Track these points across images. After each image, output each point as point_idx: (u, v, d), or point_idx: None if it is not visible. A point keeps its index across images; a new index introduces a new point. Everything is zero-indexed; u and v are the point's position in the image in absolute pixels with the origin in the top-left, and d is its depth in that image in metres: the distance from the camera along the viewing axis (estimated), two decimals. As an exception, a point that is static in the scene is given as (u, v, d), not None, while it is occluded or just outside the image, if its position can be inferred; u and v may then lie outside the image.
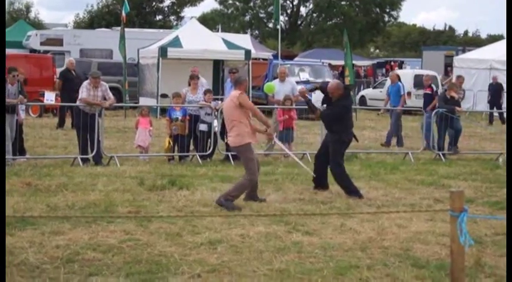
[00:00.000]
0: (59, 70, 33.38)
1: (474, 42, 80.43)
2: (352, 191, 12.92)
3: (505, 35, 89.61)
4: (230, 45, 30.21)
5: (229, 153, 16.78)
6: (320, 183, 13.45)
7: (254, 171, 11.91)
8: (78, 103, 16.52)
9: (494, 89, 31.82)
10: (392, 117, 22.05)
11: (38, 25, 62.21)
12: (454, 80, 32.78)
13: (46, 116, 26.12)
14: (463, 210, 6.52)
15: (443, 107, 19.01)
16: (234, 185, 12.11)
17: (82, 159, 16.01)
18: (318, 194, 13.08)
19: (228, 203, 11.61)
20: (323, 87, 13.73)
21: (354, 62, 33.52)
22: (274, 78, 27.66)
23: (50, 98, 25.04)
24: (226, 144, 15.27)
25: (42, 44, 39.40)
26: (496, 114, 30.68)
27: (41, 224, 10.06)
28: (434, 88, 22.45)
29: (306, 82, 29.24)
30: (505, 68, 33.86)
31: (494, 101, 31.54)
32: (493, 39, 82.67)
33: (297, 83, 22.24)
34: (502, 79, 33.80)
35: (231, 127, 12.03)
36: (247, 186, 11.98)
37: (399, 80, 25.22)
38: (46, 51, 37.31)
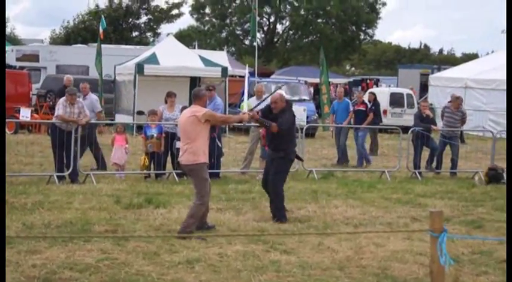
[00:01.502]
0: (35, 86, 33.34)
1: (449, 60, 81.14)
2: (280, 214, 12.43)
3: (479, 53, 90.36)
4: (207, 62, 30.23)
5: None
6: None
7: (206, 192, 11.25)
8: (54, 120, 16.44)
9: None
10: (341, 135, 21.18)
11: (13, 40, 61.97)
12: (427, 98, 33.11)
13: (22, 133, 25.93)
14: (443, 231, 6.53)
15: (419, 125, 19.11)
16: (188, 214, 11.31)
17: (58, 176, 15.91)
18: (294, 212, 13.07)
19: (188, 234, 10.95)
20: (263, 110, 13.08)
21: (330, 79, 33.66)
22: (251, 95, 27.72)
23: (25, 114, 24.92)
24: (177, 162, 14.33)
25: (18, 59, 39.18)
26: (473, 133, 30.79)
27: (17, 243, 9.97)
28: (368, 105, 22.33)
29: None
30: (479, 86, 34.29)
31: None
32: (467, 57, 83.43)
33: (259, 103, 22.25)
34: (477, 97, 34.13)
35: (188, 143, 11.28)
36: (200, 210, 11.24)
37: (375, 98, 25.42)
38: (22, 67, 37.11)
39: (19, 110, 25.15)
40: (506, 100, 16.89)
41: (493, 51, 78.19)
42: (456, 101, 20.03)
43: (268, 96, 13.88)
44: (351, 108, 21.48)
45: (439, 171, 19.40)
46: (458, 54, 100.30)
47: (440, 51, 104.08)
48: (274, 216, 12.40)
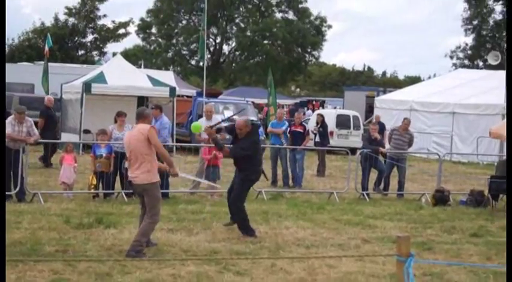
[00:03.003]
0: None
1: (392, 82, 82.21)
2: (248, 230, 12.89)
3: (422, 76, 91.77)
4: (155, 82, 30.10)
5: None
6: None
7: (158, 211, 11.25)
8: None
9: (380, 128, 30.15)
10: (282, 157, 21.02)
11: (-45, 57, 60.99)
12: (374, 120, 33.31)
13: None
14: (410, 255, 6.57)
15: (367, 147, 19.29)
16: (139, 232, 11.16)
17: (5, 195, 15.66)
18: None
19: (139, 253, 10.88)
20: (228, 128, 13.72)
21: (277, 100, 33.82)
22: (199, 115, 27.69)
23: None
24: (129, 181, 13.67)
25: (-40, 76, 38.58)
26: (417, 154, 31.12)
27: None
28: (307, 127, 22.41)
29: (231, 120, 29.33)
30: (424, 109, 34.77)
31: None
32: (410, 80, 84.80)
33: (222, 121, 22.20)
34: (422, 120, 34.59)
35: (140, 163, 11.16)
36: (152, 228, 11.27)
37: (323, 120, 25.62)
38: (-35, 84, 36.56)
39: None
40: (506, 100, 17.08)
41: (435, 75, 79.73)
42: (404, 123, 20.23)
43: (226, 119, 14.20)
44: (284, 127, 21.17)
45: (387, 192, 19.57)
46: (401, 77, 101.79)
47: (384, 73, 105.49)
48: (242, 234, 12.77)
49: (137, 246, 10.97)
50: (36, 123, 18.26)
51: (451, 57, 75.13)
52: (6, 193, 15.73)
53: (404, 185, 19.76)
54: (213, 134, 13.35)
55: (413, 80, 79.92)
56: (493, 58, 40.72)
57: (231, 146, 13.49)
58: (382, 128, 28.10)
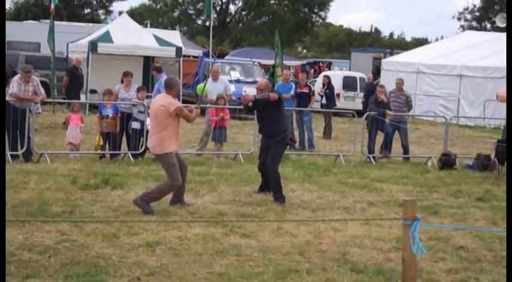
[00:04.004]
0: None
1: (399, 44, 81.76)
2: (280, 196, 12.74)
3: (429, 38, 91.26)
4: (161, 41, 30.01)
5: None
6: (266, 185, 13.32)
7: (176, 177, 11.47)
8: (8, 98, 16.18)
9: (369, 89, 29.42)
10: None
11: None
12: (381, 82, 33.14)
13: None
14: (416, 219, 6.57)
15: (374, 110, 19.20)
16: (155, 186, 11.80)
17: (12, 155, 15.70)
18: (253, 196, 13.08)
19: (144, 204, 11.25)
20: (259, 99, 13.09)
21: (284, 61, 33.65)
22: (205, 76, 27.62)
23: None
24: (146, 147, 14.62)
25: (-35, 35, 38.45)
26: (424, 117, 31.03)
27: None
28: (312, 87, 22.32)
29: (237, 81, 29.26)
30: (430, 71, 34.62)
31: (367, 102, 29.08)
32: (417, 42, 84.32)
33: (229, 82, 22.12)
34: (428, 82, 34.46)
35: (156, 132, 11.63)
36: (168, 190, 11.63)
37: (330, 82, 25.51)
38: (-30, 43, 36.46)
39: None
40: (506, 100, 16.99)
41: (442, 37, 79.22)
42: (397, 84, 20.25)
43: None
44: (292, 92, 20.88)
45: (391, 155, 19.53)
46: (408, 39, 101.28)
47: (391, 35, 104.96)
48: (274, 199, 12.68)
49: (145, 197, 11.35)
50: (43, 82, 18.23)
51: (459, 19, 74.78)
52: (14, 153, 15.78)
53: (409, 148, 19.68)
54: (251, 98, 13.00)
55: (420, 42, 79.46)
56: (501, 20, 40.54)
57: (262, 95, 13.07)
58: (372, 90, 27.79)
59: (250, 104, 13.01)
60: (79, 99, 23.23)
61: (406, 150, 19.63)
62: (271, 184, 12.96)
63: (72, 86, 23.42)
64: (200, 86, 16.30)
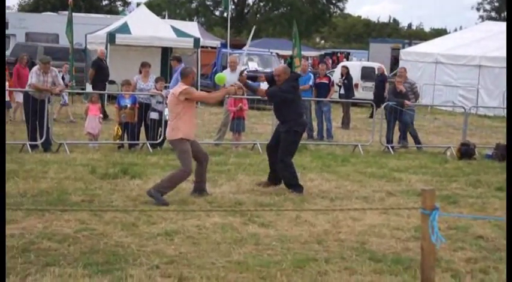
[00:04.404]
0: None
1: (418, 35, 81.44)
2: (297, 186, 12.57)
3: (448, 29, 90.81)
4: (179, 33, 30.02)
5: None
6: (273, 177, 13.01)
7: (187, 164, 11.53)
8: (27, 88, 16.26)
9: (379, 80, 29.06)
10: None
11: (-20, 7, 61.05)
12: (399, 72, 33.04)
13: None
14: (435, 209, 6.54)
15: (392, 100, 19.13)
16: (167, 176, 11.79)
17: (31, 145, 15.78)
18: (271, 185, 13.05)
19: (158, 195, 11.20)
20: (269, 76, 13.32)
21: (302, 52, 33.59)
22: (223, 67, 27.60)
23: (-6, 81, 24.57)
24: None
25: (-16, 26, 38.61)
26: (443, 108, 30.94)
27: (-7, 212, 9.89)
28: (331, 78, 22.27)
29: (255, 71, 29.20)
30: (449, 62, 34.46)
31: (379, 93, 27.83)
32: (436, 32, 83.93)
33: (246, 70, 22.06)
34: (447, 73, 34.31)
35: (171, 119, 11.86)
36: (179, 179, 11.61)
37: (348, 72, 25.46)
38: (-11, 34, 36.62)
39: (-12, 78, 24.80)
40: (506, 98, 16.93)
41: (461, 27, 78.85)
42: (399, 72, 20.31)
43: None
44: (310, 82, 20.96)
45: (410, 145, 19.44)
46: (427, 29, 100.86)
47: (409, 25, 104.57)
48: (290, 190, 12.52)
49: (159, 188, 11.33)
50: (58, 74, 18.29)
51: (478, 10, 74.35)
52: (33, 143, 15.86)
53: (417, 135, 19.44)
54: (243, 80, 13.16)
55: (439, 33, 79.10)
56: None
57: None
58: (383, 80, 27.83)
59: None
60: (105, 90, 23.36)
61: (416, 140, 19.39)
62: (285, 179, 12.70)
63: (97, 77, 23.48)
64: (219, 75, 16.22)
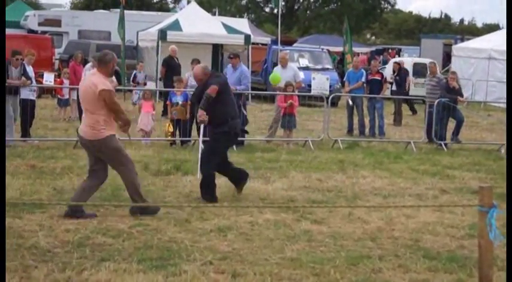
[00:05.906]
0: (57, 51, 33.34)
1: (470, 30, 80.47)
2: (206, 194, 11.19)
3: (501, 24, 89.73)
4: (230, 29, 30.08)
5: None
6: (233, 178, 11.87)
7: (124, 160, 10.20)
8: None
9: (401, 75, 26.83)
10: (358, 106, 20.62)
11: (34, 5, 61.94)
12: (452, 69, 32.72)
13: (45, 97, 25.92)
14: (493, 206, 6.46)
15: (445, 96, 18.93)
16: (127, 185, 10.30)
17: (84, 142, 15.91)
18: (323, 182, 13.04)
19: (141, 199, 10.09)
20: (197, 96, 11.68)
21: (353, 48, 33.45)
22: (274, 64, 27.59)
23: (49, 79, 24.82)
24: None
25: (40, 24, 39.13)
26: (496, 104, 30.54)
27: (49, 207, 10.03)
28: (384, 74, 22.08)
29: (306, 68, 29.15)
30: (503, 57, 33.95)
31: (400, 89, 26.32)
32: (489, 28, 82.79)
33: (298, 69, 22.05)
34: (501, 69, 33.84)
35: (85, 113, 10.01)
36: (132, 177, 10.23)
37: (400, 68, 25.30)
38: (44, 32, 37.10)
39: (42, 75, 25.12)
40: (506, 95, 16.70)
41: (515, 22, 77.65)
42: (430, 67, 20.37)
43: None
44: (363, 79, 20.88)
45: (464, 142, 19.20)
46: (479, 25, 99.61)
47: (461, 21, 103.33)
48: (202, 196, 11.27)
49: (132, 197, 10.22)
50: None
51: (532, 4, 73.11)
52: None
53: (440, 133, 19.06)
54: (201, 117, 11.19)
55: (491, 28, 78.01)
56: None
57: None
58: (405, 75, 27.05)
59: (204, 117, 11.15)
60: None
61: (441, 136, 19.01)
62: (201, 182, 11.42)
63: (168, 75, 23.58)
64: (274, 75, 16.24)
